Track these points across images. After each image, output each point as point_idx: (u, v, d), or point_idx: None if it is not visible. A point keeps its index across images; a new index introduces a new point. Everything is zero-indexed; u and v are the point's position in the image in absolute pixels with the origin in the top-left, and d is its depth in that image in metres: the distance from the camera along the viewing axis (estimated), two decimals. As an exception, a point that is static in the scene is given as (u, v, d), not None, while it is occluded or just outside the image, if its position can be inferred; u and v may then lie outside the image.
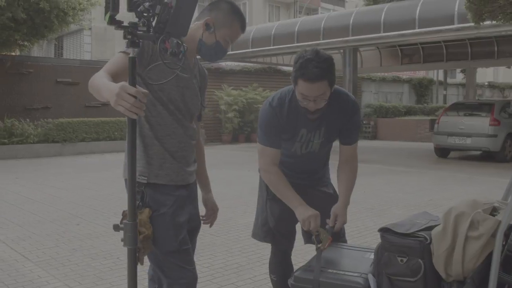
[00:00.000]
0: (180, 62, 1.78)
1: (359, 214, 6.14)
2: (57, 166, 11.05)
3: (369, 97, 22.74)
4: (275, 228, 2.76)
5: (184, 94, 2.18)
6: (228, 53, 11.41)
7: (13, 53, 15.31)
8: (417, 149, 15.48)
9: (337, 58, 15.29)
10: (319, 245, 2.40)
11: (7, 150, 12.58)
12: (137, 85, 1.72)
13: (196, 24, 2.18)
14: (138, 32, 1.68)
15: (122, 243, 1.89)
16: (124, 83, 1.67)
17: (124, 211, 2.15)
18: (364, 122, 20.54)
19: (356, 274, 2.28)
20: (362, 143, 17.20)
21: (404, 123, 19.73)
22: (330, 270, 2.32)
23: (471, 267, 2.06)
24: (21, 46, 14.43)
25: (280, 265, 2.88)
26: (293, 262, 2.95)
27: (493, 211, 2.18)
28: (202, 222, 2.50)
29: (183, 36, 1.79)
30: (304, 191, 2.73)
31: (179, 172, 2.22)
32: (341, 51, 12.68)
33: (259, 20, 29.73)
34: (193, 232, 2.43)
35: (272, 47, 13.54)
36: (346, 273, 2.30)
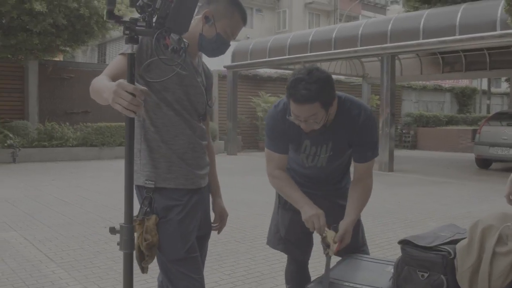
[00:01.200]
0: (180, 59, 1.70)
1: (391, 225, 5.93)
2: (94, 170, 11.21)
3: (410, 106, 22.24)
4: (285, 236, 2.66)
5: (189, 92, 2.10)
6: (265, 59, 11.35)
7: (56, 59, 15.72)
8: (457, 160, 15.00)
9: (376, 65, 15.03)
10: (327, 250, 2.26)
11: (46, 152, 12.88)
12: (136, 83, 1.65)
13: (195, 19, 2.08)
14: (137, 27, 1.61)
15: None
16: (122, 81, 1.60)
17: (134, 217, 2.09)
18: (404, 131, 20.10)
19: (373, 289, 2.14)
20: (401, 153, 16.83)
21: (445, 133, 19.18)
22: (346, 283, 2.19)
23: (499, 286, 1.89)
24: (62, 51, 14.79)
25: (296, 275, 2.76)
26: (313, 272, 2.82)
27: (526, 225, 2.00)
28: (211, 228, 2.40)
29: (184, 32, 1.71)
30: (316, 201, 2.60)
31: (189, 175, 2.13)
32: (379, 58, 12.39)
33: (299, 28, 29.64)
34: (204, 238, 2.35)
35: (309, 54, 13.36)
36: (363, 287, 2.16)
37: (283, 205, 2.67)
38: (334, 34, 12.85)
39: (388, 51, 11.32)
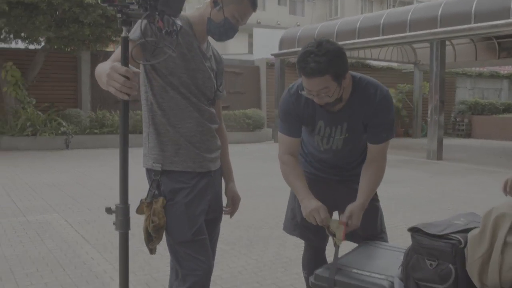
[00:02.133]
0: (171, 41, 1.70)
1: (430, 214, 5.76)
2: (141, 156, 11.46)
3: (464, 93, 21.43)
4: (302, 222, 2.59)
5: (196, 77, 2.09)
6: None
7: (108, 49, 16.14)
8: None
9: (429, 51, 14.53)
10: (334, 239, 2.21)
11: (97, 139, 13.31)
12: (130, 66, 1.66)
13: (204, 4, 2.08)
14: (130, 10, 1.62)
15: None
16: (115, 64, 1.62)
17: (141, 199, 2.13)
18: (457, 119, 19.43)
19: (382, 277, 2.08)
20: (453, 141, 16.31)
21: (502, 121, 18.38)
22: (354, 270, 2.14)
23: (510, 278, 1.79)
24: (114, 41, 15.16)
25: (312, 261, 2.72)
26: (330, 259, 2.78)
27: (543, 214, 1.89)
28: (223, 212, 2.40)
29: (177, 15, 1.70)
30: (332, 187, 2.56)
31: (197, 158, 2.14)
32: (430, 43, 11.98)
33: (351, 15, 29.11)
34: (214, 221, 2.35)
35: (356, 41, 13.11)
36: (372, 274, 2.11)
37: None
38: (383, 20, 12.53)
39: (438, 36, 10.93)
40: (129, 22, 1.65)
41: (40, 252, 4.15)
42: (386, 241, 2.63)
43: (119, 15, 1.63)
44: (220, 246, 4.37)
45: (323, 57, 2.05)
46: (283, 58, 16.01)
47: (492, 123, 18.51)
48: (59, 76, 14.33)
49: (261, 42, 24.04)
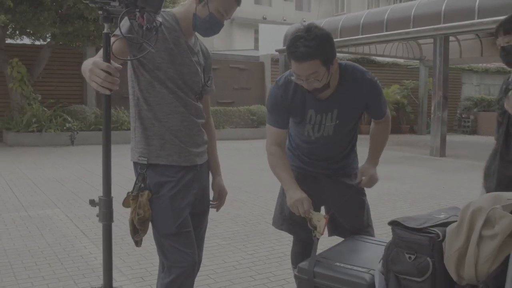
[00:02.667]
0: (150, 38, 1.74)
1: (429, 210, 5.75)
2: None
3: (470, 90, 21.31)
4: (290, 216, 2.64)
5: (182, 71, 2.13)
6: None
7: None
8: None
9: (430, 47, 14.47)
10: (314, 232, 2.25)
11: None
12: (111, 61, 1.71)
13: (189, 0, 2.12)
14: (111, 7, 1.66)
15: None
16: (97, 59, 1.67)
17: (128, 192, 2.18)
18: (463, 115, 19.36)
19: (363, 270, 2.12)
20: (458, 138, 16.25)
21: (508, 118, 18.27)
22: (337, 263, 2.18)
23: (486, 271, 1.82)
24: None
25: (300, 256, 2.75)
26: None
27: (520, 208, 1.91)
28: (210, 206, 2.45)
29: (157, 11, 1.74)
30: (320, 181, 2.60)
31: (182, 152, 2.18)
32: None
33: (358, 11, 29.02)
34: (202, 215, 2.39)
35: (360, 36, 13.09)
36: (354, 267, 2.15)
37: None
38: (387, 15, 12.51)
39: (441, 32, 10.90)
40: (110, 19, 1.69)
41: (39, 246, 4.22)
42: (372, 235, 2.67)
43: (100, 12, 1.67)
44: (216, 241, 4.45)
45: (312, 41, 2.12)
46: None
47: (498, 119, 18.40)
48: (65, 72, 14.41)
49: (267, 38, 24.02)
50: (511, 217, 1.78)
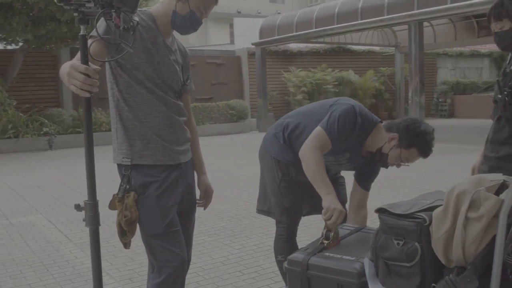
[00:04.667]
0: (127, 38, 1.72)
1: (411, 195, 5.83)
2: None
3: (446, 74, 21.56)
4: (291, 208, 2.79)
5: (161, 70, 2.11)
6: (292, 34, 11.21)
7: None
8: (495, 127, 14.50)
9: (405, 34, 14.57)
10: (324, 241, 2.26)
11: (81, 138, 13.06)
12: (90, 63, 1.68)
13: None
14: (86, 9, 1.63)
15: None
16: (74, 62, 1.64)
17: (114, 195, 2.15)
18: (440, 100, 19.59)
19: (352, 258, 2.13)
20: (436, 122, 16.43)
21: (484, 100, 18.47)
22: (326, 253, 2.19)
23: (473, 252, 1.84)
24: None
25: (289, 244, 2.82)
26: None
27: (503, 188, 1.94)
28: (197, 205, 2.43)
29: (133, 11, 1.72)
30: None
31: (166, 151, 2.16)
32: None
33: (332, 0, 29.06)
34: (188, 213, 2.38)
35: (335, 26, 13.13)
36: (343, 256, 2.16)
37: (289, 178, 2.76)
38: (361, 4, 12.56)
39: (415, 18, 10.98)
40: (86, 21, 1.66)
41: (24, 254, 4.16)
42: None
43: (75, 14, 1.64)
44: (203, 237, 4.43)
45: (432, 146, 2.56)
46: (263, 47, 15.99)
47: (474, 102, 18.68)
48: (39, 76, 14.20)
49: (242, 32, 23.96)
50: (495, 198, 1.81)
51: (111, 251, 4.14)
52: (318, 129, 2.52)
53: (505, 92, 2.43)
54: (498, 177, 1.96)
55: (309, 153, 2.48)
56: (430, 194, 2.25)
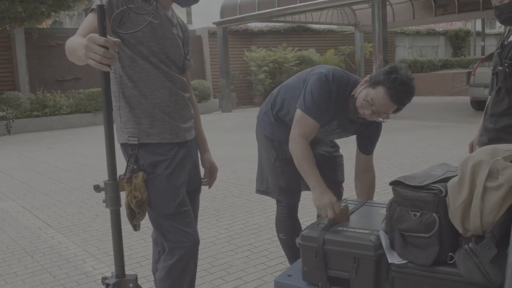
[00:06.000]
0: (150, 7, 1.63)
1: (387, 171, 5.95)
2: (89, 136, 11.15)
3: (403, 52, 21.98)
4: (288, 187, 2.73)
5: (165, 45, 2.03)
6: (254, 13, 11.10)
7: (42, 26, 15.39)
8: (453, 103, 14.94)
9: (368, 12, 14.71)
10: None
11: (40, 122, 12.80)
12: (108, 35, 1.59)
13: None
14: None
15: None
16: (92, 34, 1.55)
17: (120, 176, 2.07)
18: (398, 78, 19.92)
19: (367, 231, 2.14)
20: (396, 100, 16.73)
21: (440, 77, 19.02)
22: (339, 228, 2.19)
23: (491, 221, 1.87)
24: (48, 17, 14.43)
25: (290, 223, 2.80)
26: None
27: (516, 158, 1.97)
28: (202, 183, 2.38)
29: None
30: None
31: (173, 129, 2.09)
32: (370, 4, 12.12)
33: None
34: (195, 192, 2.33)
35: (298, 5, 13.08)
36: (357, 230, 2.16)
37: (284, 157, 2.70)
38: (323, -18, 12.54)
39: (378, -4, 11.08)
40: (104, -10, 1.57)
41: (3, 241, 4.00)
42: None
43: (92, -17, 1.54)
44: (188, 218, 4.38)
45: (411, 95, 2.33)
46: (225, 26, 15.81)
47: (432, 79, 19.12)
48: (-7, 58, 13.58)
49: (200, 11, 23.62)
50: (515, 166, 1.83)
51: (95, 235, 4.03)
52: (297, 112, 2.45)
53: (506, 64, 2.47)
54: (511, 147, 1.99)
55: (294, 146, 2.43)
56: (439, 166, 2.27)
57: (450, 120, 10.78)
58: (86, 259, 3.53)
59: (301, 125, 2.42)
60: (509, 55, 2.47)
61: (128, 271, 3.26)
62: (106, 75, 1.65)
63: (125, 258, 3.46)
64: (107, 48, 1.55)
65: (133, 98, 2.03)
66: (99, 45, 1.54)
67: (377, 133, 2.67)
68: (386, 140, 8.40)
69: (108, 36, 1.60)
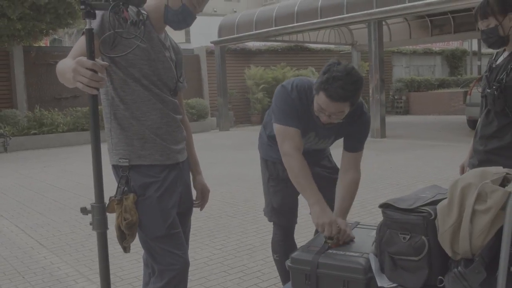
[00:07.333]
0: (139, 32, 1.65)
1: (382, 191, 5.94)
2: (86, 154, 11.09)
3: (400, 71, 22.12)
4: (280, 207, 2.70)
5: (157, 67, 2.04)
6: (252, 32, 11.16)
7: (42, 44, 15.47)
8: (450, 123, 14.99)
9: (365, 32, 14.83)
10: (328, 241, 2.23)
11: (37, 140, 12.80)
12: (96, 59, 1.60)
13: None
14: (93, 1, 1.55)
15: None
16: (80, 58, 1.56)
17: (110, 197, 2.06)
18: (395, 97, 20.04)
19: (357, 254, 2.13)
20: (393, 119, 16.82)
21: (437, 96, 19.12)
22: (330, 251, 2.18)
23: (480, 244, 1.87)
24: (47, 35, 14.50)
25: (283, 244, 2.78)
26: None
27: (505, 181, 1.98)
28: (193, 205, 2.38)
29: (142, 5, 1.65)
30: None
31: (164, 151, 2.09)
32: (367, 24, 12.24)
33: (286, -1, 29.25)
34: (186, 214, 2.33)
35: (295, 24, 13.20)
36: (347, 253, 2.15)
37: (276, 177, 2.70)
38: (320, 2, 12.67)
39: (375, 16, 11.19)
40: (93, 14, 1.58)
41: (-6, 261, 3.97)
42: None
43: (82, 7, 1.56)
44: (182, 238, 4.35)
45: (351, 85, 2.16)
46: (223, 45, 15.92)
47: (428, 98, 19.22)
48: (-9, 76, 13.62)
49: (198, 30, 23.78)
50: (503, 190, 1.84)
51: (88, 255, 4.00)
52: (275, 127, 2.44)
53: (494, 87, 2.49)
54: (500, 170, 2.00)
55: (287, 160, 2.38)
56: (429, 189, 2.27)
57: (446, 139, 10.80)
58: (78, 279, 3.51)
59: (285, 137, 2.38)
60: (497, 78, 2.49)
61: (120, 292, 3.26)
62: (94, 98, 1.66)
63: (117, 279, 3.47)
64: (95, 71, 1.56)
65: (125, 119, 2.04)
66: (87, 68, 1.55)
67: (360, 131, 2.50)
68: (382, 160, 8.42)
69: (96, 59, 1.61)
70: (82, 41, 1.84)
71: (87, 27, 1.60)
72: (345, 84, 2.14)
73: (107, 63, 1.65)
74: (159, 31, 2.10)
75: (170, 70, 2.13)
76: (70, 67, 1.57)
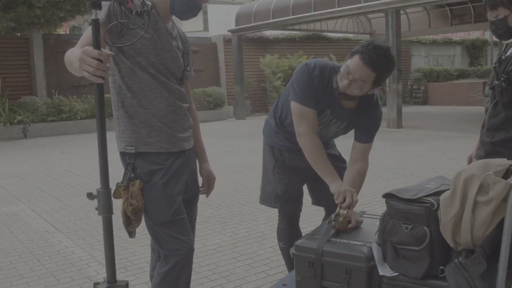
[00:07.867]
0: (143, 22, 1.68)
1: (395, 181, 5.93)
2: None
3: (419, 61, 21.86)
4: (284, 195, 2.73)
5: (163, 56, 2.08)
6: (269, 21, 11.13)
7: (62, 32, 15.62)
8: (468, 114, 14.83)
9: (384, 21, 14.67)
10: (333, 222, 2.26)
11: (56, 126, 12.99)
12: (102, 49, 1.64)
13: None
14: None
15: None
16: (87, 47, 1.60)
17: (117, 183, 2.12)
18: (414, 87, 19.85)
19: (360, 243, 2.16)
20: (411, 109, 16.68)
21: (456, 87, 18.89)
22: (333, 239, 2.21)
23: (481, 235, 1.88)
24: (67, 21, 14.63)
25: (289, 232, 2.81)
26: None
27: (508, 173, 1.98)
28: (199, 192, 2.42)
29: None
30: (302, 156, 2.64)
31: (170, 138, 2.14)
32: (384, 13, 12.12)
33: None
34: (192, 201, 2.37)
35: (312, 13, 13.15)
36: (350, 241, 2.18)
37: (282, 164, 2.72)
38: (338, -9, 12.57)
39: (392, 5, 11.08)
40: (98, 5, 1.62)
41: (11, 244, 4.08)
42: None
43: (89, -3, 1.60)
44: (193, 225, 4.42)
45: (386, 59, 2.25)
46: (240, 34, 15.91)
47: (447, 89, 19.00)
48: (12, 63, 13.78)
49: (216, 19, 23.80)
50: (505, 182, 1.84)
51: (101, 240, 4.04)
52: (291, 105, 2.48)
53: (502, 78, 2.47)
54: (504, 161, 2.00)
55: (304, 140, 2.45)
56: (434, 179, 2.28)
57: (464, 131, 10.69)
58: (91, 263, 3.59)
59: (302, 117, 2.44)
60: (506, 69, 2.48)
61: (131, 276, 3.35)
62: (100, 87, 1.70)
63: (129, 263, 3.55)
64: (100, 60, 1.60)
65: (132, 108, 2.09)
66: (93, 57, 1.59)
67: (371, 123, 2.55)
68: (396, 150, 8.39)
69: (103, 49, 1.65)
70: (89, 31, 1.88)
71: (93, 17, 1.64)
72: (381, 54, 2.23)
73: (112, 53, 1.69)
74: (166, 21, 2.13)
75: (177, 59, 2.17)
76: (77, 56, 1.62)
